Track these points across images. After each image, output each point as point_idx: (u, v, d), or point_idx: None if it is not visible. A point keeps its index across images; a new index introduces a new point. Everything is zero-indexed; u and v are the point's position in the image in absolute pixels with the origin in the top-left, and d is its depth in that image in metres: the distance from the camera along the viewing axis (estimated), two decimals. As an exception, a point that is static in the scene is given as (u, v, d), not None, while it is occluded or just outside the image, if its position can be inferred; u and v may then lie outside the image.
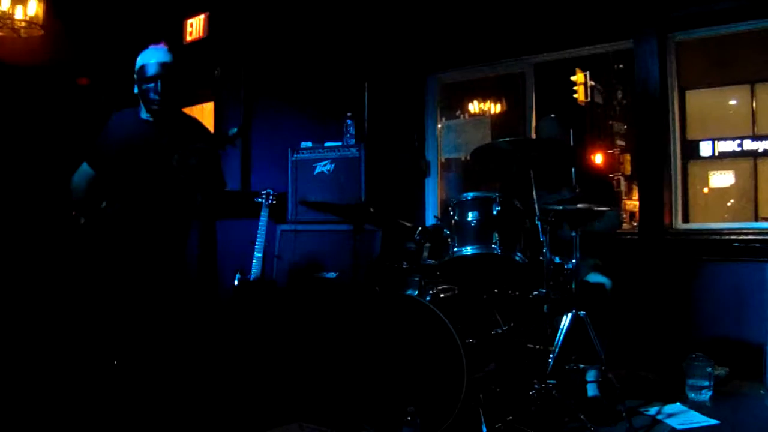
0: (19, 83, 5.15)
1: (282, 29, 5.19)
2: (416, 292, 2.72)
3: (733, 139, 4.19)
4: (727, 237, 3.70)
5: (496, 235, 2.68)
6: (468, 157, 5.01)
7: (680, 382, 3.06)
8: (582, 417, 2.49)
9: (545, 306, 2.64)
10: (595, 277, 3.03)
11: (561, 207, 2.65)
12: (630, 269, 3.56)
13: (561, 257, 2.71)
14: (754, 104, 4.12)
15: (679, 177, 3.96)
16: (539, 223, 2.67)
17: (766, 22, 3.65)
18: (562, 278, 2.71)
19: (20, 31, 4.81)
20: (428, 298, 2.67)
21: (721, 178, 4.34)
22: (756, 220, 4.19)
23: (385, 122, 4.67)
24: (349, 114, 4.56)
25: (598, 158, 8.27)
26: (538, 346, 2.75)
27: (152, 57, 2.56)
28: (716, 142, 4.19)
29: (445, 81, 5.07)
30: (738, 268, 3.58)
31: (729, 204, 4.41)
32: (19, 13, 4.74)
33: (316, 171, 4.52)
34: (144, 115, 2.64)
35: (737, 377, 3.28)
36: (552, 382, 2.52)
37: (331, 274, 4.21)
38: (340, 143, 4.52)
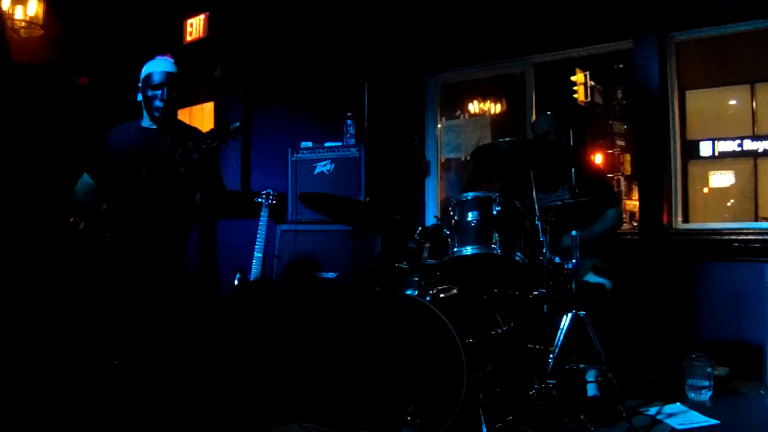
0: (19, 83, 5.14)
1: (282, 29, 5.19)
2: (416, 292, 2.71)
3: (733, 139, 4.19)
4: (727, 237, 3.70)
5: (496, 235, 2.67)
6: (468, 157, 5.01)
7: (680, 382, 3.06)
8: (582, 417, 2.49)
9: (545, 306, 2.65)
10: (595, 278, 3.03)
11: (560, 202, 2.65)
12: (630, 269, 3.56)
13: (561, 257, 2.72)
14: (754, 104, 4.12)
15: (679, 177, 3.96)
16: (539, 223, 2.67)
17: (766, 22, 3.65)
18: (562, 278, 2.71)
19: (20, 31, 4.81)
20: (428, 298, 2.66)
21: (721, 178, 4.34)
22: (756, 220, 4.19)
23: (385, 122, 4.66)
24: (349, 114, 4.56)
25: (598, 158, 8.28)
26: (538, 346, 2.75)
27: (159, 66, 2.67)
28: (716, 142, 4.19)
29: (445, 81, 5.07)
30: (738, 268, 3.58)
31: (729, 204, 4.41)
32: (19, 13, 4.75)
33: (316, 171, 4.53)
34: (145, 123, 2.72)
35: (737, 377, 3.27)
36: (552, 382, 2.52)
37: (331, 274, 4.21)
38: (340, 143, 4.52)
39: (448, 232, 2.79)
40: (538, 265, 2.71)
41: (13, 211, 4.50)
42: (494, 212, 2.69)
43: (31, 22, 4.79)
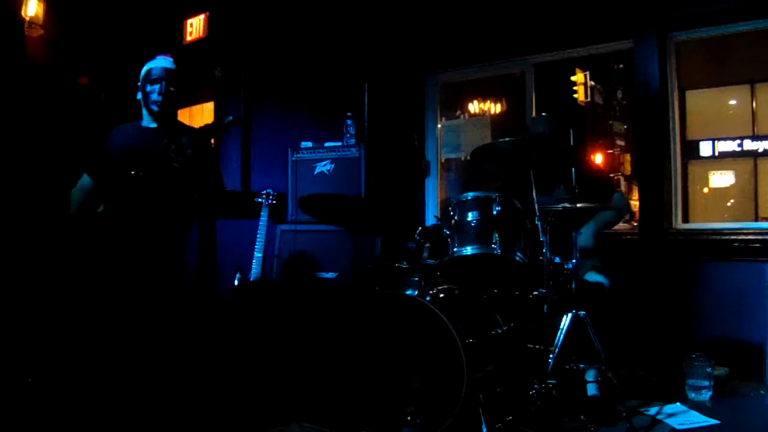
0: (19, 82, 5.14)
1: (282, 29, 5.19)
2: (416, 292, 2.71)
3: (733, 139, 4.18)
4: (727, 237, 3.70)
5: (496, 235, 2.67)
6: (468, 157, 5.01)
7: (680, 382, 3.06)
8: (582, 417, 2.49)
9: (545, 306, 2.65)
10: (594, 276, 3.03)
11: (561, 206, 2.65)
12: (630, 269, 3.56)
13: (561, 257, 2.72)
14: (754, 104, 4.12)
15: (679, 177, 3.96)
16: (539, 223, 2.67)
17: (766, 22, 3.65)
18: (562, 278, 2.71)
19: (21, 31, 4.81)
20: (428, 298, 2.66)
21: (721, 178, 4.33)
22: (756, 220, 4.18)
23: (385, 122, 4.67)
24: (349, 114, 4.56)
25: (598, 158, 8.28)
26: (538, 346, 2.75)
27: (159, 63, 2.70)
28: (716, 142, 4.19)
29: (445, 81, 5.07)
30: (738, 268, 3.58)
31: (729, 204, 4.40)
32: (18, 13, 4.75)
33: (316, 171, 4.53)
34: (145, 123, 2.73)
35: (737, 377, 3.27)
36: (552, 382, 2.52)
37: (331, 274, 4.21)
38: (340, 143, 4.52)
39: (448, 232, 2.79)
40: (538, 265, 2.71)
41: (13, 211, 4.50)
42: (494, 212, 2.70)
43: (31, 22, 4.80)
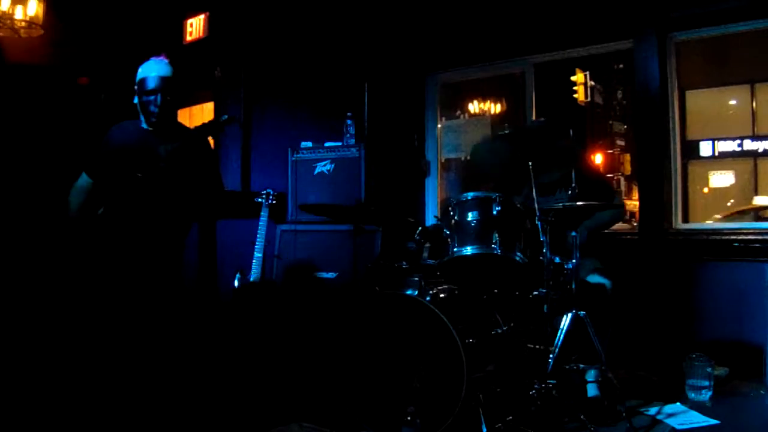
0: (20, 82, 5.14)
1: (282, 29, 5.19)
2: (416, 292, 2.71)
3: (733, 139, 4.19)
4: (727, 237, 3.70)
5: (496, 235, 2.67)
6: (468, 157, 5.01)
7: (680, 382, 3.06)
8: (582, 417, 2.49)
9: (545, 306, 2.64)
10: (595, 278, 3.03)
11: (561, 205, 2.65)
12: (630, 269, 3.56)
13: (561, 257, 2.71)
14: (754, 104, 4.12)
15: (679, 177, 3.95)
16: (539, 223, 2.67)
17: (766, 22, 3.65)
18: (562, 278, 2.71)
19: (20, 31, 4.80)
20: (428, 298, 2.66)
21: (721, 178, 4.34)
22: (756, 220, 4.19)
23: (385, 122, 4.67)
24: (349, 114, 4.56)
25: (598, 158, 8.28)
26: (538, 346, 2.75)
27: (153, 70, 2.64)
28: (716, 142, 4.19)
29: (445, 81, 5.07)
30: (738, 268, 3.58)
31: (729, 204, 4.41)
32: (19, 13, 4.74)
33: (316, 171, 4.53)
34: (144, 124, 2.72)
35: (737, 377, 3.27)
36: (552, 382, 2.52)
37: (331, 274, 4.21)
38: (340, 143, 4.52)
39: (448, 232, 2.79)
40: (538, 265, 2.71)
41: (13, 211, 4.50)
42: (494, 212, 2.70)
43: (31, 22, 4.79)
